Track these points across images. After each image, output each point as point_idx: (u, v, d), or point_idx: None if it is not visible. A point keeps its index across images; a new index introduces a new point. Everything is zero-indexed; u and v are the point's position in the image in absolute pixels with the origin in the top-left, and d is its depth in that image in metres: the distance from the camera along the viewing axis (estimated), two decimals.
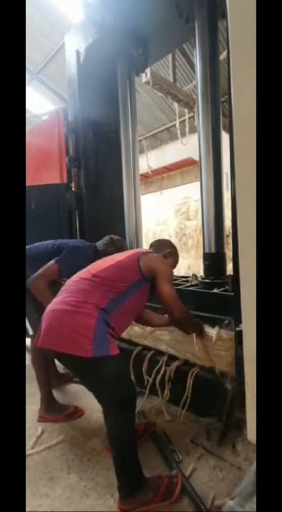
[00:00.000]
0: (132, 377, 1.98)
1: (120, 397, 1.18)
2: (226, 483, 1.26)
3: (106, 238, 2.06)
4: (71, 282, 1.35)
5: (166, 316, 1.62)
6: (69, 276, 1.46)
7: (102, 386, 1.20)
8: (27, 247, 1.94)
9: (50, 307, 1.27)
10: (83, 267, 1.46)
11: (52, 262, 1.79)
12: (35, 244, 2.01)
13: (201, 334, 1.56)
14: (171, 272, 1.57)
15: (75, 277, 1.38)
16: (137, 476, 1.20)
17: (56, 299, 1.30)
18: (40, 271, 1.73)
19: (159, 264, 1.40)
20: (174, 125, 5.21)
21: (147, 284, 1.39)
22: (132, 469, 1.19)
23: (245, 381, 0.85)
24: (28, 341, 2.09)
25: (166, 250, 1.62)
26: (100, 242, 2.05)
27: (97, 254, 1.95)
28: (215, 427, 1.57)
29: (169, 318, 1.43)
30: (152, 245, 1.69)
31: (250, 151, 0.70)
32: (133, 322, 1.95)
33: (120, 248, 1.99)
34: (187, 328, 1.54)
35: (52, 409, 1.82)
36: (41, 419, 1.79)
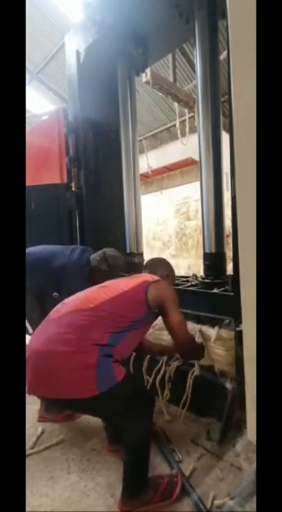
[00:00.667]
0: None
1: (137, 410, 1.15)
2: (226, 483, 1.26)
3: (99, 253, 1.94)
4: (64, 311, 1.20)
5: (162, 344, 1.64)
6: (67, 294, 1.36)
7: (115, 413, 1.18)
8: (29, 249, 1.91)
9: (36, 344, 1.12)
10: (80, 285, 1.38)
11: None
12: (38, 250, 1.97)
13: (201, 358, 1.52)
14: (177, 297, 1.43)
15: (69, 306, 1.22)
16: (143, 480, 1.20)
17: (46, 332, 1.15)
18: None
19: (167, 293, 1.31)
20: (174, 125, 5.21)
21: (153, 316, 1.32)
22: (141, 474, 1.19)
23: (245, 381, 0.85)
24: (28, 340, 2.10)
25: (164, 273, 1.55)
26: (95, 255, 1.96)
27: (92, 270, 1.89)
28: (215, 427, 1.57)
29: (176, 348, 1.36)
30: (146, 266, 1.62)
31: (250, 151, 0.70)
32: None
33: (113, 267, 1.89)
34: (191, 358, 1.51)
35: (52, 410, 1.81)
36: (41, 419, 1.79)
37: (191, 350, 1.37)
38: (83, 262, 1.92)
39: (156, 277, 1.40)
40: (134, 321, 1.22)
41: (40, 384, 1.07)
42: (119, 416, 1.19)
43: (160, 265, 1.61)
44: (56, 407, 1.70)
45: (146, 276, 1.41)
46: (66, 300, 1.31)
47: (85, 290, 1.35)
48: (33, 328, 1.74)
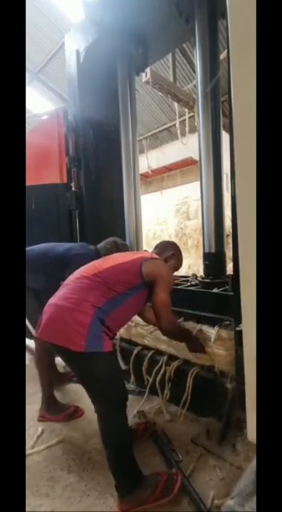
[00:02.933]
0: (132, 377, 1.98)
1: (111, 396, 1.21)
2: (226, 483, 1.26)
3: (109, 241, 2.02)
4: (73, 279, 1.37)
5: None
6: None
7: (93, 382, 1.22)
8: (29, 248, 1.93)
9: (51, 301, 1.30)
10: None
11: None
12: (37, 247, 1.99)
13: (202, 351, 1.56)
14: (173, 279, 1.54)
15: (76, 274, 1.39)
16: (134, 475, 1.20)
17: (58, 294, 1.33)
18: (164, 317, 1.54)
19: (160, 271, 1.40)
20: (174, 125, 5.21)
21: (146, 288, 1.38)
22: (128, 468, 1.20)
23: (245, 381, 0.85)
24: (30, 342, 2.10)
25: (170, 253, 1.60)
26: (102, 244, 2.02)
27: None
28: (215, 427, 1.57)
29: (157, 326, 1.42)
30: (156, 247, 1.68)
31: (250, 151, 0.70)
32: (133, 323, 1.96)
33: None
34: (174, 338, 1.56)
35: (52, 409, 1.81)
36: (42, 418, 1.79)
37: (172, 333, 1.45)
38: (88, 250, 2.01)
39: (155, 255, 1.51)
40: (127, 287, 1.32)
41: (45, 330, 1.23)
42: (92, 389, 1.24)
43: (167, 246, 1.67)
44: (57, 353, 1.61)
45: (145, 253, 1.52)
46: (78, 270, 1.45)
47: (93, 262, 1.48)
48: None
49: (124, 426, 1.22)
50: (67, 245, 2.04)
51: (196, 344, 1.55)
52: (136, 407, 1.79)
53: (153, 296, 1.36)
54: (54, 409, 1.81)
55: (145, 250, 1.61)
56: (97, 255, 1.94)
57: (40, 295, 1.88)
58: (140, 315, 1.70)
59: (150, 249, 1.69)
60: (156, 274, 1.37)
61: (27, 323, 1.80)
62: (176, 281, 2.14)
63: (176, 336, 1.53)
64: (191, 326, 1.65)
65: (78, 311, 1.21)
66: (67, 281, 1.38)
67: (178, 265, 1.65)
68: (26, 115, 2.31)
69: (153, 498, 1.17)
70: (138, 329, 1.96)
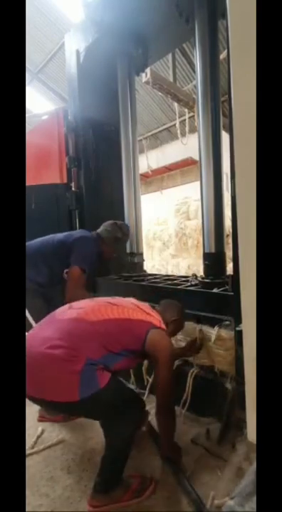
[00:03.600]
0: (132, 377, 1.98)
1: (121, 413, 1.15)
2: (226, 483, 1.26)
3: (109, 224, 2.03)
4: (68, 316, 1.23)
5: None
6: (91, 271, 1.36)
7: (99, 415, 1.20)
8: (27, 243, 1.93)
9: (34, 343, 1.13)
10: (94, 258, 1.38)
11: (74, 268, 1.72)
12: (36, 240, 2.00)
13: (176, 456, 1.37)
14: (173, 352, 1.39)
15: (74, 312, 1.24)
16: (118, 477, 1.22)
17: (45, 333, 1.17)
18: (71, 284, 1.63)
19: (165, 349, 1.26)
20: (174, 125, 5.21)
21: (142, 356, 1.31)
22: (117, 471, 1.21)
23: (245, 381, 0.85)
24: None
25: (173, 317, 1.49)
26: (102, 228, 2.04)
27: (103, 242, 1.97)
28: (215, 427, 1.57)
29: (156, 406, 1.30)
30: (160, 304, 1.58)
31: (250, 151, 0.70)
32: None
33: (127, 234, 2.01)
34: (165, 417, 1.33)
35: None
36: (41, 418, 1.79)
37: (166, 411, 1.31)
38: (89, 234, 2.02)
39: (163, 325, 1.36)
40: (127, 349, 1.22)
41: (28, 383, 1.06)
42: (102, 419, 1.21)
43: (172, 308, 1.55)
44: (43, 407, 1.64)
45: (155, 318, 1.36)
46: (74, 304, 1.32)
47: (95, 300, 1.35)
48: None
49: (132, 435, 1.20)
50: (66, 233, 2.04)
51: (178, 452, 1.36)
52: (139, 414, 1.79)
53: (156, 373, 1.26)
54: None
55: (153, 307, 1.50)
56: (99, 239, 1.99)
57: (45, 288, 1.88)
58: None
59: (150, 251, 1.67)
60: (158, 349, 1.24)
61: (32, 321, 1.78)
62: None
63: (168, 414, 1.32)
64: (191, 326, 1.65)
65: (68, 360, 1.08)
66: (59, 315, 1.25)
67: (177, 330, 1.56)
68: (26, 115, 2.32)
69: (124, 499, 1.19)
70: None
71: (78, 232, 2.06)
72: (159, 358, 1.23)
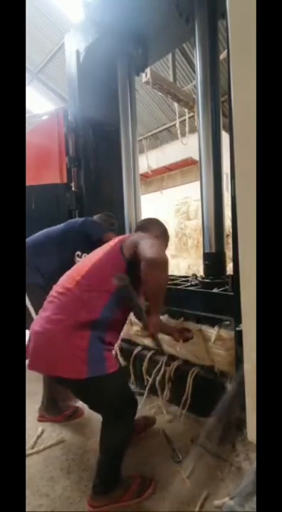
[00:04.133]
0: (132, 377, 1.98)
1: (121, 411, 1.17)
2: (226, 483, 1.26)
3: (103, 214, 2.11)
4: (55, 294, 1.21)
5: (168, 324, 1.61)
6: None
7: (101, 404, 1.20)
8: (31, 237, 1.94)
9: (35, 326, 1.15)
10: None
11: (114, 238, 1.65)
12: (36, 234, 1.99)
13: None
14: (163, 244, 1.35)
15: (59, 287, 1.23)
16: (116, 478, 1.21)
17: (42, 314, 1.18)
18: (152, 250, 1.27)
19: (142, 237, 1.22)
20: (174, 125, 5.21)
21: (135, 272, 1.18)
22: (114, 473, 1.21)
23: (245, 381, 0.85)
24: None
25: (156, 232, 1.41)
26: (97, 216, 2.10)
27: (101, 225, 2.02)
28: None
29: (144, 261, 1.12)
30: (138, 227, 1.49)
31: (250, 151, 0.70)
32: (133, 320, 1.96)
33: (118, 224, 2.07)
34: (155, 277, 1.13)
35: (52, 409, 1.81)
36: (41, 418, 1.79)
37: (160, 261, 1.12)
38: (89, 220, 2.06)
39: (132, 235, 1.33)
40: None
41: (39, 362, 1.12)
42: (105, 410, 1.21)
43: (152, 224, 1.45)
44: (61, 387, 1.54)
45: (120, 237, 1.33)
46: (60, 279, 1.29)
47: (70, 269, 1.32)
48: None
49: (128, 436, 1.22)
50: (62, 224, 2.05)
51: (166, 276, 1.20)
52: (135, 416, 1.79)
53: (137, 251, 1.16)
54: (54, 410, 1.81)
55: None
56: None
57: (55, 279, 1.87)
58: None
59: None
60: (135, 241, 1.19)
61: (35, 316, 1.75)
62: (175, 282, 2.14)
63: (161, 279, 1.15)
64: (192, 326, 1.65)
65: (72, 333, 1.08)
66: (49, 298, 1.23)
67: (166, 245, 1.47)
68: (26, 115, 2.32)
69: (123, 499, 1.19)
70: (138, 329, 1.96)
71: (78, 219, 2.10)
72: (138, 242, 1.17)
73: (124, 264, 1.20)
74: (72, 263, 1.68)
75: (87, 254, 1.41)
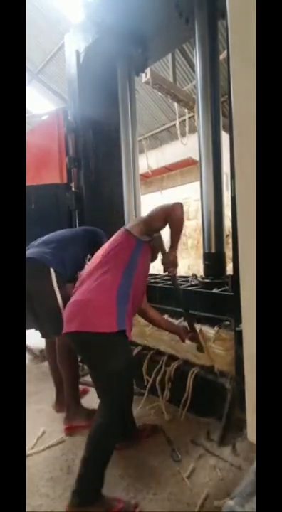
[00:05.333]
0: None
1: (120, 390, 1.25)
2: (226, 483, 1.26)
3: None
4: (85, 275, 1.39)
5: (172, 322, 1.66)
6: None
7: (111, 366, 1.22)
8: (56, 233, 2.01)
9: (74, 297, 1.34)
10: None
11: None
12: (62, 231, 2.06)
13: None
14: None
15: (86, 269, 1.43)
16: (97, 488, 1.15)
17: (77, 291, 1.35)
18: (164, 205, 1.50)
19: (147, 214, 1.45)
20: (174, 125, 5.21)
21: (145, 244, 1.41)
22: (96, 479, 1.15)
23: (245, 381, 0.85)
24: (30, 342, 2.08)
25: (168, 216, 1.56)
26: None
27: None
28: (215, 427, 1.57)
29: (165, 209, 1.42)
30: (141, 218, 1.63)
31: (250, 151, 0.70)
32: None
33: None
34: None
35: (80, 414, 1.70)
36: (70, 429, 1.66)
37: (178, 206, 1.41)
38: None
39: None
40: (129, 254, 1.34)
41: (71, 321, 1.25)
42: (111, 379, 1.24)
43: (157, 210, 1.59)
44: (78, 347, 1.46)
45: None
46: (85, 268, 1.51)
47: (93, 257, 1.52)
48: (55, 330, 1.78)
49: (116, 435, 1.24)
50: (80, 228, 2.25)
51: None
52: (136, 407, 1.79)
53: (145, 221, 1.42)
54: (81, 414, 1.70)
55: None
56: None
57: (73, 272, 1.90)
58: (143, 315, 1.63)
59: None
60: (143, 218, 1.44)
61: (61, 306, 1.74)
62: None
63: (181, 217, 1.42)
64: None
65: (102, 293, 1.26)
66: (80, 280, 1.41)
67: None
68: (26, 115, 2.32)
69: None
70: (138, 329, 1.96)
71: (95, 229, 2.17)
72: (146, 217, 1.43)
73: (133, 239, 1.37)
74: (85, 263, 1.82)
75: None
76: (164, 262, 1.50)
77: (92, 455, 1.17)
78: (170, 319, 1.77)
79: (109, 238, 1.98)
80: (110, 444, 1.21)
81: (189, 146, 4.31)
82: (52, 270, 1.69)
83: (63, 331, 1.28)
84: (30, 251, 1.80)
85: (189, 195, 6.11)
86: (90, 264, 1.45)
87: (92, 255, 1.76)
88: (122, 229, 1.45)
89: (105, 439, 1.20)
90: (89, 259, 1.92)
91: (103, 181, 2.75)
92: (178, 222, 1.42)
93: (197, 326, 1.62)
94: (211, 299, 1.74)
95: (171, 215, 1.39)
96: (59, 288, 1.68)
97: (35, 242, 1.93)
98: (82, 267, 1.78)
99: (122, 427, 1.29)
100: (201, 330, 1.60)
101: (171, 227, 1.42)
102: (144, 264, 1.44)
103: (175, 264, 1.50)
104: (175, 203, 1.41)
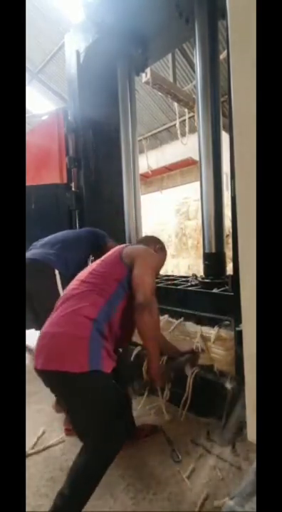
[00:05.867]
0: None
1: (113, 425, 1.07)
2: (226, 483, 1.26)
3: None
4: (63, 298, 1.27)
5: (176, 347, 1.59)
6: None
7: (93, 410, 1.09)
8: (60, 233, 2.03)
9: (45, 327, 1.18)
10: None
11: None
12: (66, 232, 2.10)
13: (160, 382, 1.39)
14: (158, 266, 1.52)
15: (66, 291, 1.30)
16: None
17: (48, 320, 1.20)
18: (141, 289, 1.35)
19: (141, 251, 1.34)
20: (174, 125, 5.21)
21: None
22: (78, 503, 1.04)
23: (245, 381, 0.85)
24: (30, 342, 2.07)
25: (157, 246, 1.57)
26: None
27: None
28: (215, 427, 1.57)
29: (135, 305, 1.20)
30: (139, 241, 1.67)
31: (250, 151, 0.70)
32: None
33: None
34: (146, 332, 1.22)
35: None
36: (70, 431, 1.60)
37: (149, 306, 1.19)
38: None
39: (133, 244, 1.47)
40: (117, 281, 1.23)
41: (38, 357, 1.11)
42: (94, 416, 1.10)
43: (151, 239, 1.64)
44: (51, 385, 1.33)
45: (122, 245, 1.44)
46: (72, 281, 1.36)
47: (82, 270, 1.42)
48: None
49: (98, 477, 1.07)
50: (84, 229, 2.27)
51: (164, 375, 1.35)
52: (136, 407, 1.79)
53: (133, 275, 1.22)
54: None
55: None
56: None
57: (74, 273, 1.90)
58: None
59: None
60: (135, 254, 1.30)
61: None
62: (175, 282, 2.14)
63: (149, 324, 1.20)
64: (192, 326, 1.65)
65: (74, 327, 1.11)
66: (58, 302, 1.27)
67: (164, 259, 1.64)
68: (26, 115, 2.32)
69: None
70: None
71: (97, 231, 2.19)
72: (136, 258, 1.26)
73: (125, 269, 1.27)
74: (87, 265, 1.83)
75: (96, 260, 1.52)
76: (150, 379, 1.31)
77: (69, 493, 1.04)
78: (170, 319, 1.77)
79: (111, 239, 2.00)
80: (89, 486, 1.07)
81: (189, 146, 4.30)
82: (57, 272, 1.69)
83: (34, 367, 1.14)
84: (34, 252, 1.81)
85: (189, 195, 6.11)
86: (72, 282, 1.32)
87: (94, 257, 1.78)
88: (117, 252, 1.35)
89: (84, 481, 1.06)
90: (91, 261, 1.94)
91: (103, 181, 2.75)
92: (148, 331, 1.20)
93: (197, 327, 1.62)
94: (211, 299, 1.74)
95: (139, 322, 1.19)
96: (64, 289, 1.68)
97: (37, 243, 1.93)
98: (83, 268, 1.81)
99: (108, 466, 1.10)
100: (201, 330, 1.59)
101: (140, 335, 1.23)
102: (128, 306, 1.27)
103: (162, 380, 1.33)
104: (144, 300, 1.18)
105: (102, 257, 1.39)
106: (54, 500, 1.03)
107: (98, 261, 1.37)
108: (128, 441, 1.43)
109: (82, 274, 1.33)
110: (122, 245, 1.43)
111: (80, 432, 1.15)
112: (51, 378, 1.14)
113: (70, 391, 1.12)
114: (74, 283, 1.31)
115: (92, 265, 1.37)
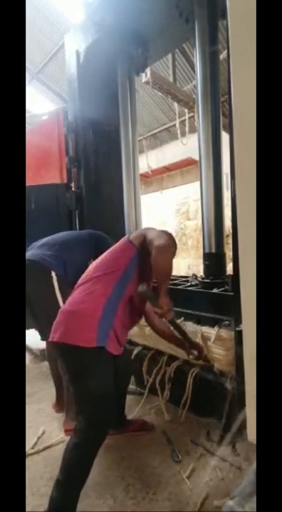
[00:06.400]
0: (132, 377, 1.98)
1: (99, 409, 1.15)
2: (226, 483, 1.26)
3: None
4: (79, 283, 1.37)
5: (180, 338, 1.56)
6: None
7: (88, 379, 1.17)
8: (59, 234, 2.02)
9: (65, 306, 1.31)
10: None
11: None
12: (66, 233, 2.08)
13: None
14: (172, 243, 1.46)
15: (84, 274, 1.40)
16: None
17: (68, 300, 1.33)
18: (160, 238, 1.39)
19: (149, 228, 1.42)
20: (174, 125, 5.21)
21: (146, 257, 1.31)
22: (70, 503, 1.09)
23: (245, 381, 0.85)
24: (30, 342, 2.07)
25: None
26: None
27: None
28: (215, 427, 1.57)
29: (153, 247, 1.26)
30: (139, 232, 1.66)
31: (250, 151, 0.70)
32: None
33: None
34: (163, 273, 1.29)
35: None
36: (69, 432, 1.55)
37: (165, 249, 1.26)
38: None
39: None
40: (129, 260, 1.32)
41: (55, 331, 1.22)
42: (88, 390, 1.18)
43: (152, 229, 1.62)
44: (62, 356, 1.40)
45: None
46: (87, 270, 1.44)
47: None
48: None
49: (92, 458, 1.14)
50: (85, 231, 2.20)
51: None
52: (136, 407, 1.79)
53: (147, 239, 1.32)
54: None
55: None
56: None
57: (75, 275, 1.89)
58: (150, 325, 1.60)
59: None
60: (143, 231, 1.38)
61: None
62: (175, 282, 2.14)
63: (166, 261, 1.28)
64: (192, 326, 1.65)
65: (87, 306, 1.22)
66: (75, 287, 1.38)
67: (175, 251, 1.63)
68: (26, 115, 2.32)
69: None
70: (138, 329, 1.96)
71: (100, 234, 2.15)
72: (148, 234, 1.33)
73: (134, 248, 1.34)
74: (87, 267, 1.84)
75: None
76: (156, 312, 1.33)
77: (65, 479, 1.09)
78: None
79: (114, 242, 1.98)
80: (85, 468, 1.13)
81: (189, 146, 4.31)
82: (53, 274, 1.68)
83: (50, 339, 1.24)
84: (32, 253, 1.79)
85: (189, 195, 6.11)
86: (87, 271, 1.41)
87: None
88: (124, 238, 1.44)
89: (79, 462, 1.13)
90: None
91: (103, 181, 2.75)
92: (164, 270, 1.29)
93: (197, 327, 1.62)
94: (211, 299, 1.74)
95: (157, 260, 1.26)
96: (61, 291, 1.67)
97: (36, 243, 1.92)
98: (84, 271, 1.80)
99: (101, 445, 1.17)
100: (201, 330, 1.59)
101: (155, 273, 1.32)
102: (144, 275, 1.36)
103: (170, 310, 1.32)
104: (165, 243, 1.27)
105: (111, 248, 1.44)
106: (52, 488, 1.10)
107: (106, 252, 1.43)
108: (116, 430, 1.48)
109: (96, 261, 1.41)
110: (125, 237, 1.47)
111: (77, 407, 1.24)
112: (63, 350, 1.24)
113: (74, 364, 1.23)
114: (89, 268, 1.41)
115: (102, 257, 1.43)
